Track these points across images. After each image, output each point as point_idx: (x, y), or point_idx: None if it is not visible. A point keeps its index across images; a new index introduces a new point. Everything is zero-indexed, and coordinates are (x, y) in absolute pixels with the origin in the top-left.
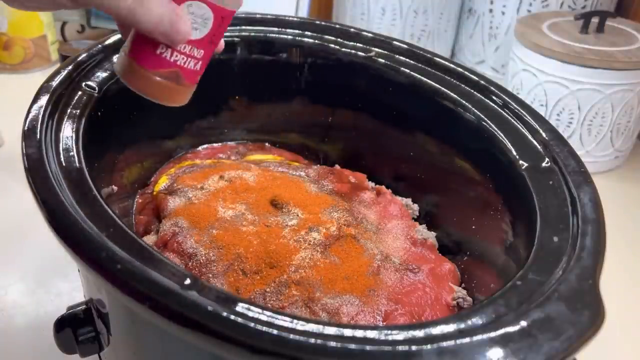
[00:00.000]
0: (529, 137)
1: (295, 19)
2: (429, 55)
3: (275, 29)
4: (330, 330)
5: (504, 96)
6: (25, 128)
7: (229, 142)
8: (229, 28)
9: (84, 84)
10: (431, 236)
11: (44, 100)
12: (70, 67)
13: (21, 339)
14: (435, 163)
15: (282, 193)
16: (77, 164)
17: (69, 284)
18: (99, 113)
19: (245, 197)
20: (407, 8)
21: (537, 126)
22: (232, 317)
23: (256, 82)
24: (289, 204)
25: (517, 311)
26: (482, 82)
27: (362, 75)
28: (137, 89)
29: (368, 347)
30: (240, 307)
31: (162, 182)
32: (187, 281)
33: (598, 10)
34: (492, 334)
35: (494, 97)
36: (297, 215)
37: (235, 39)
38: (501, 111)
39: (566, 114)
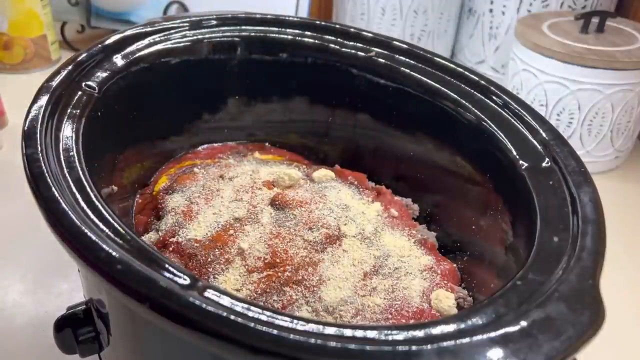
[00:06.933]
0: (529, 137)
1: (295, 19)
2: (429, 55)
3: (275, 29)
4: (330, 330)
5: (504, 96)
6: (25, 128)
7: (229, 142)
8: (229, 28)
9: (84, 84)
10: (431, 236)
11: (43, 100)
12: (70, 67)
13: (21, 339)
14: (435, 163)
15: (282, 193)
16: (77, 164)
17: (69, 284)
18: (99, 113)
19: (245, 197)
20: (407, 8)
21: (537, 126)
22: (232, 317)
23: (256, 82)
24: (289, 204)
25: (517, 311)
26: (482, 82)
27: (362, 75)
28: None
29: (368, 347)
30: (240, 307)
31: (162, 182)
32: (187, 281)
33: (598, 10)
34: (492, 334)
35: (494, 97)
36: (297, 215)
37: (235, 39)
38: (501, 111)
39: (566, 114)
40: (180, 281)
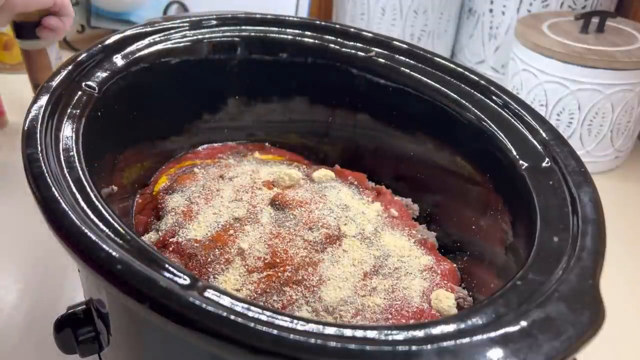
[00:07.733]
0: (529, 137)
1: (295, 19)
2: (429, 55)
3: (275, 29)
4: (330, 330)
5: (504, 96)
6: (25, 128)
7: (229, 142)
8: (229, 28)
9: (84, 84)
10: (431, 236)
11: (43, 100)
12: (70, 67)
13: (21, 339)
14: (435, 163)
15: (282, 193)
16: (77, 164)
17: (69, 284)
18: (99, 113)
19: (245, 197)
20: (407, 8)
21: (537, 126)
22: (232, 317)
23: (256, 82)
24: (289, 204)
25: (517, 311)
26: (482, 82)
27: (362, 75)
28: None
29: (368, 347)
30: (240, 307)
31: (162, 182)
32: (187, 281)
33: (598, 10)
34: (492, 334)
35: (494, 97)
36: (297, 215)
37: (235, 39)
38: (501, 111)
39: (566, 114)
40: (180, 281)
